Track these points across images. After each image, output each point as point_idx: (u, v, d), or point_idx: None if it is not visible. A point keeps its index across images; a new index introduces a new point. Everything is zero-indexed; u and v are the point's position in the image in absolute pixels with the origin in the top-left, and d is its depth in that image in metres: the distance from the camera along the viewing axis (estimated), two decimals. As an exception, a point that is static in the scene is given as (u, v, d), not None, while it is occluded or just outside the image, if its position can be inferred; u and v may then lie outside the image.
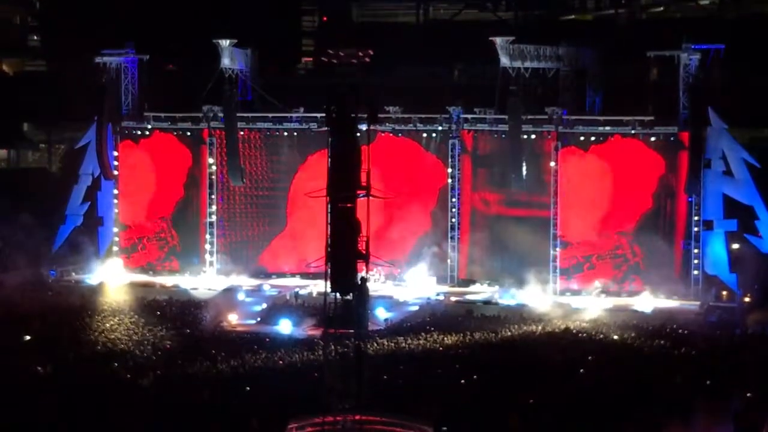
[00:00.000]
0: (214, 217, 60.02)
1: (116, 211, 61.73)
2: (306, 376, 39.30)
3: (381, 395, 34.73)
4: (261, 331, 49.29)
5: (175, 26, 68.22)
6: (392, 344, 45.00)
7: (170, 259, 60.95)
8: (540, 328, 48.51)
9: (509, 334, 47.35)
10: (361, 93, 32.87)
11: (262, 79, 62.01)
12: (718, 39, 55.01)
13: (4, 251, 59.28)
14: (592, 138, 55.40)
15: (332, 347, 33.89)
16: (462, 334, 46.65)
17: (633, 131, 54.72)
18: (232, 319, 51.21)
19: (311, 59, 76.37)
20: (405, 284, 57.27)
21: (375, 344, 43.98)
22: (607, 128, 55.31)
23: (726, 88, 54.99)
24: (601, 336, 46.87)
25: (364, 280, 33.11)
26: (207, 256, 60.01)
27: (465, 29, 71.66)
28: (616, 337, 46.67)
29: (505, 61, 55.32)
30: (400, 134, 58.45)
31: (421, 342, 45.53)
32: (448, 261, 58.25)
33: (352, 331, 33.30)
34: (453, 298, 55.39)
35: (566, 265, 55.66)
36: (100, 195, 61.77)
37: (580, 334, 47.27)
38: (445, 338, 46.06)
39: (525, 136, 55.70)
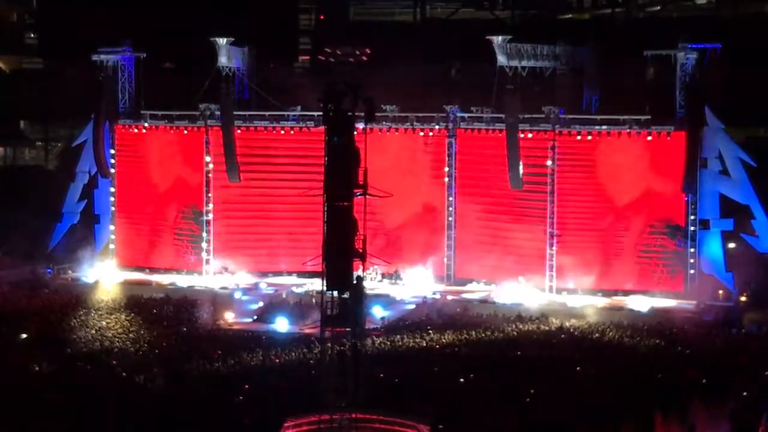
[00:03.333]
0: (210, 215, 60.01)
1: (113, 209, 61.69)
2: (303, 374, 39.32)
3: (377, 393, 34.76)
4: (257, 329, 49.31)
5: (173, 24, 68.17)
6: (389, 342, 45.03)
7: (167, 257, 60.88)
8: (536, 326, 48.55)
9: (505, 332, 47.36)
10: (359, 91, 32.89)
11: (259, 77, 61.99)
12: (715, 38, 55.16)
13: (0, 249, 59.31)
14: (589, 137, 55.45)
15: (329, 345, 33.93)
16: (458, 333, 46.69)
17: (630, 130, 54.77)
18: (229, 317, 51.22)
19: (308, 58, 76.32)
20: (402, 283, 57.30)
21: (372, 342, 43.99)
22: (604, 127, 55.37)
23: (723, 88, 55.06)
24: (597, 335, 46.93)
25: (360, 278, 33.15)
26: (204, 254, 59.98)
27: (462, 28, 71.65)
28: (612, 336, 46.71)
29: (502, 59, 55.38)
30: (397, 133, 58.59)
31: (417, 340, 45.55)
32: (445, 259, 58.36)
33: (348, 329, 33.36)
34: (449, 297, 55.41)
35: (562, 263, 55.67)
36: (97, 193, 61.75)
37: (575, 333, 47.32)
38: (442, 337, 46.09)
39: (522, 135, 55.71)
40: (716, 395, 37.65)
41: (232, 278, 58.32)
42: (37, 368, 40.69)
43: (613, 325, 48.29)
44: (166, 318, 49.92)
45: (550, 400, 36.37)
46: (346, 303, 32.88)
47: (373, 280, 56.11)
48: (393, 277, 57.52)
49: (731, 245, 54.56)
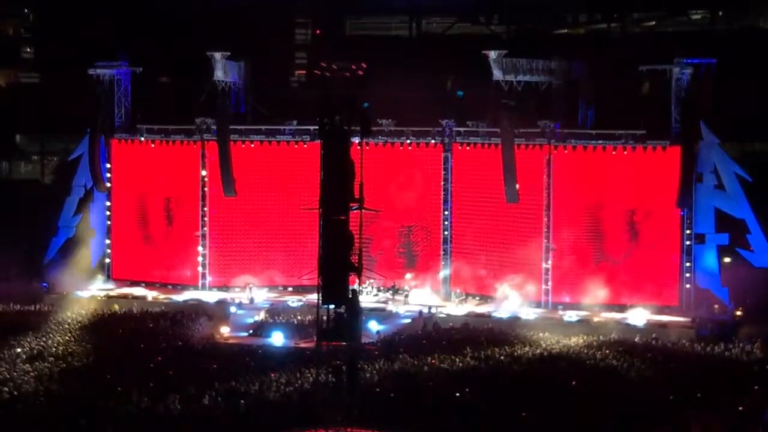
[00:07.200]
0: (206, 229, 59.98)
1: (108, 222, 61.65)
2: (299, 388, 39.23)
3: (373, 408, 34.73)
4: (253, 343, 49.24)
5: (169, 39, 68.23)
6: (384, 357, 44.92)
7: (163, 271, 60.78)
8: (531, 341, 48.46)
9: (501, 347, 47.23)
10: (354, 106, 33.00)
11: (255, 91, 62.06)
12: (710, 53, 55.28)
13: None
14: (584, 151, 55.54)
15: (325, 360, 33.95)
16: (454, 348, 46.58)
17: (625, 145, 54.85)
18: (225, 331, 51.15)
19: (304, 72, 76.36)
20: (398, 297, 57.27)
21: (367, 357, 43.89)
22: (599, 142, 55.45)
23: (718, 102, 55.17)
24: (592, 350, 46.87)
25: (355, 292, 33.18)
26: (199, 269, 59.92)
27: (458, 43, 71.77)
28: (607, 350, 46.64)
29: (497, 74, 55.49)
30: (392, 147, 58.72)
31: (412, 355, 45.42)
32: (441, 274, 58.35)
33: (344, 343, 33.37)
34: (445, 311, 55.35)
35: (559, 277, 55.69)
36: (93, 207, 61.67)
37: (571, 348, 47.28)
38: (437, 351, 45.96)
39: (517, 149, 55.74)
40: (712, 410, 37.64)
41: (227, 292, 58.09)
42: (31, 382, 40.62)
43: (609, 340, 48.26)
44: (161, 332, 49.80)
45: (546, 416, 36.33)
46: (342, 317, 32.91)
47: (369, 294, 56.13)
48: (390, 290, 57.51)
49: (727, 260, 54.61)
